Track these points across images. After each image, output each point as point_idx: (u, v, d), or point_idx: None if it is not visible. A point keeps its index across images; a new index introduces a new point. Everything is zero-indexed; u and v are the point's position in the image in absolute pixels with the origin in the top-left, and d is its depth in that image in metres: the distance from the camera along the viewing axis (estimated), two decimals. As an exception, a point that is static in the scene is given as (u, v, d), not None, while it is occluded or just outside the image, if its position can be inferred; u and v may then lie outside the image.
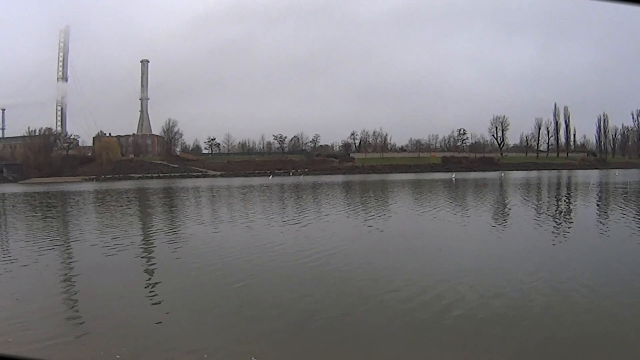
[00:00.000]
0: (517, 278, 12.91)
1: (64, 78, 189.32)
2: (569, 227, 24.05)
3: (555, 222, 25.89)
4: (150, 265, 16.63)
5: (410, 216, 29.96)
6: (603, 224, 24.16)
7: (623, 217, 25.78)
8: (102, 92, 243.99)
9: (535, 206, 35.47)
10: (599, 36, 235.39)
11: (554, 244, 18.80)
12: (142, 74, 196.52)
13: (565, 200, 41.16)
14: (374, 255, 16.79)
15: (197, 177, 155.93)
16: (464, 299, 11.10)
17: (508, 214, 30.33)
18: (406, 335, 9.20)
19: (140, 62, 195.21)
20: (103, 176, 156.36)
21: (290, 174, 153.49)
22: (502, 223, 25.95)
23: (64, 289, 13.39)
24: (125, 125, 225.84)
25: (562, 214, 30.57)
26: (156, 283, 13.69)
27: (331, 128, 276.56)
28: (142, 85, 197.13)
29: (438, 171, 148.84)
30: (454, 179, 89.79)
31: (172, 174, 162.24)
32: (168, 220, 30.98)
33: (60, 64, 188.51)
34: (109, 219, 32.41)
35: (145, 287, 13.22)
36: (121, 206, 44.69)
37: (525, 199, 42.79)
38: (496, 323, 9.60)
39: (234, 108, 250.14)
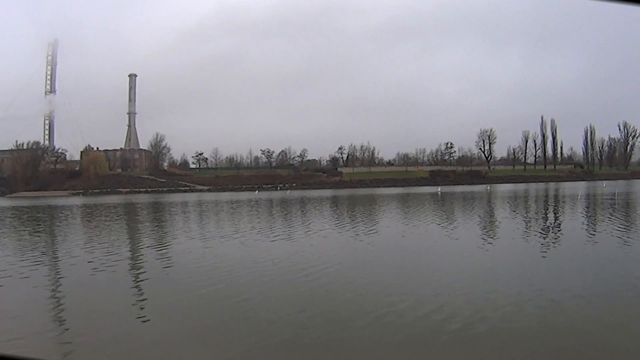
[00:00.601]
0: (514, 292, 13.00)
1: (52, 92, 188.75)
2: (560, 241, 24.06)
3: (546, 235, 26.03)
4: (145, 282, 16.44)
5: (401, 231, 30.05)
6: (598, 236, 24.45)
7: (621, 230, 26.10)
8: (90, 106, 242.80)
9: (524, 219, 35.65)
10: (585, 48, 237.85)
11: (544, 257, 18.92)
12: (130, 88, 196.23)
13: (554, 213, 41.35)
14: (370, 272, 16.79)
15: (185, 191, 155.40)
16: (471, 315, 11.11)
17: (498, 228, 30.46)
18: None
19: (128, 76, 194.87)
20: (90, 190, 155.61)
21: (278, 188, 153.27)
22: (493, 237, 25.99)
23: (57, 306, 13.28)
24: (113, 139, 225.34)
25: (552, 227, 30.71)
26: (151, 300, 13.60)
27: (319, 142, 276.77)
28: (129, 100, 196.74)
29: (426, 185, 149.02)
30: (439, 192, 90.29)
31: (160, 189, 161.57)
32: (160, 236, 30.79)
33: (48, 77, 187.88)
34: (101, 235, 32.08)
35: (140, 307, 13.02)
36: (112, 221, 44.46)
37: (513, 212, 43.00)
38: (513, 335, 9.79)
39: (221, 122, 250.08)
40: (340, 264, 18.30)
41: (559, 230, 28.50)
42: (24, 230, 36.93)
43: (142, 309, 12.65)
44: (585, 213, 40.08)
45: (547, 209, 46.51)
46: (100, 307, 12.84)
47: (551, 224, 32.77)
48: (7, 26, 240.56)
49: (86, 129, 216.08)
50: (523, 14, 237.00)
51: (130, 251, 24.40)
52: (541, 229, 29.03)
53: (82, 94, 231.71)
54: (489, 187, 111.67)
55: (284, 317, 11.36)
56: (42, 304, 13.44)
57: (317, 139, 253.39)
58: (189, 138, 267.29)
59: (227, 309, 12.32)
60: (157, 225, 38.63)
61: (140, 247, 25.85)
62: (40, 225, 42.05)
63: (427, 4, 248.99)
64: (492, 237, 25.76)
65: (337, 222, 37.20)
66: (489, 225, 32.58)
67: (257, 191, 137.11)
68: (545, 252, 20.38)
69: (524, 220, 34.80)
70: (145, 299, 13.90)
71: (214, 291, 14.28)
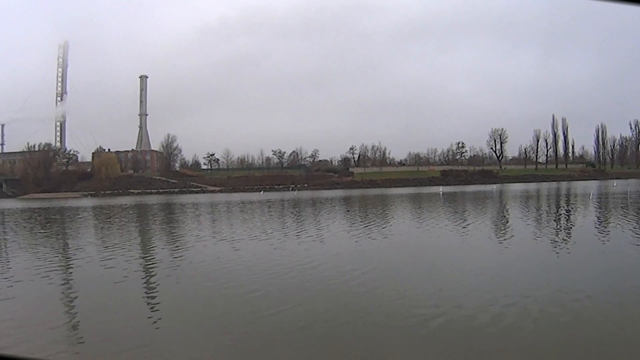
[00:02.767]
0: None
1: (63, 93, 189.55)
2: (584, 243, 23.68)
3: (565, 237, 25.84)
4: (176, 288, 15.92)
5: (426, 232, 29.69)
6: (619, 237, 24.16)
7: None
8: (102, 107, 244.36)
9: (538, 220, 35.45)
10: (598, 47, 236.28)
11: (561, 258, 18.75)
12: (141, 89, 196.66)
13: (569, 214, 40.85)
14: (412, 275, 16.62)
15: (197, 192, 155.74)
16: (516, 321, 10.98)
17: (511, 230, 30.01)
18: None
19: (139, 77, 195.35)
20: (102, 192, 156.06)
21: (290, 189, 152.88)
22: (510, 239, 25.57)
23: (86, 314, 12.82)
24: (124, 140, 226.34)
25: (573, 229, 30.45)
26: (185, 309, 13.19)
27: (330, 143, 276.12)
28: (140, 101, 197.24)
29: (437, 184, 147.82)
30: (441, 193, 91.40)
31: (172, 190, 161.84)
32: (185, 238, 30.26)
33: (59, 79, 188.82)
34: (123, 237, 31.94)
35: (173, 315, 12.66)
36: (129, 222, 44.77)
37: (527, 213, 42.75)
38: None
39: (234, 123, 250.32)
40: (382, 268, 17.93)
41: (579, 232, 28.09)
42: (43, 232, 36.97)
43: (170, 316, 12.29)
44: (600, 213, 39.81)
45: (560, 210, 45.94)
46: (135, 315, 12.72)
47: (570, 225, 32.42)
48: (22, 28, 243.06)
49: (98, 130, 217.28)
50: (540, 13, 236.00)
51: (161, 254, 23.54)
52: (559, 231, 28.83)
53: (94, 95, 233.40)
54: (495, 187, 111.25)
55: (327, 329, 10.96)
56: (74, 315, 13.30)
57: (328, 139, 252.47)
58: (201, 139, 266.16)
59: (262, 320, 11.73)
60: (178, 228, 38.32)
61: (169, 250, 25.12)
62: (60, 227, 42.09)
63: (445, 4, 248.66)
64: (520, 240, 25.21)
65: (361, 223, 36.80)
66: (510, 227, 32.19)
67: (262, 192, 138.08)
68: (564, 254, 20.23)
69: (540, 222, 34.65)
70: (178, 306, 13.44)
71: (258, 298, 13.97)
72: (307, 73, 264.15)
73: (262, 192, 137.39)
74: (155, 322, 11.82)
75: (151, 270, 19.34)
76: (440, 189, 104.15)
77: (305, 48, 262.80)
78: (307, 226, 35.32)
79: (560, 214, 41.36)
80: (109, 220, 48.53)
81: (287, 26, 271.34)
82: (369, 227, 32.87)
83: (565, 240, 24.42)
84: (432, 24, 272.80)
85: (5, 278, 17.64)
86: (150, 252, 24.98)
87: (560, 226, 31.50)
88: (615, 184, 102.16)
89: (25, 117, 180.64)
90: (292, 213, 51.60)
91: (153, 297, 14.65)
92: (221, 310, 12.73)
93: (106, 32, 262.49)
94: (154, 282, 17.07)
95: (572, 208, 47.43)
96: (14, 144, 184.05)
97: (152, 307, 13.30)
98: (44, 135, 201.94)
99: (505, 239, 24.99)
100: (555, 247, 22.22)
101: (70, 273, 19.14)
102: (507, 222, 35.12)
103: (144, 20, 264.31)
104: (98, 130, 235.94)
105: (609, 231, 26.92)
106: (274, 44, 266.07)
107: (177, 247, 26.15)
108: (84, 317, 12.53)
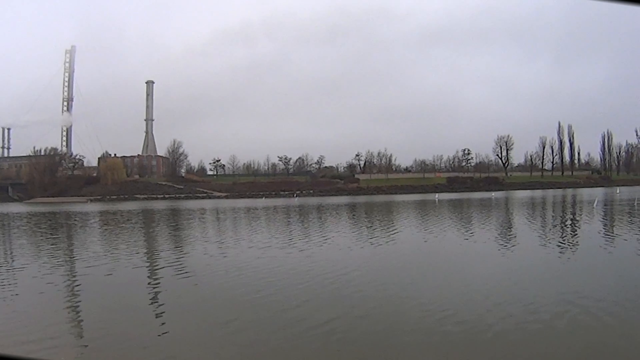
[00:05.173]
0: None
1: (69, 98, 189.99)
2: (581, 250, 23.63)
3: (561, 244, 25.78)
4: (212, 297, 15.59)
5: (444, 239, 29.38)
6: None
7: None
8: (112, 112, 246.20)
9: (539, 229, 35.32)
10: (606, 55, 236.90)
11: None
12: (147, 95, 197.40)
13: (571, 221, 40.72)
14: (450, 286, 16.19)
15: (203, 198, 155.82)
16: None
17: (517, 238, 29.65)
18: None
19: (146, 83, 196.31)
20: (108, 197, 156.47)
21: (295, 195, 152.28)
22: (515, 246, 25.42)
23: (103, 327, 12.29)
24: (130, 146, 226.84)
25: (572, 235, 30.64)
26: (224, 319, 12.85)
27: (336, 149, 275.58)
28: (147, 107, 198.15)
29: (443, 191, 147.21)
30: (437, 200, 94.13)
31: (177, 195, 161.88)
32: (204, 245, 29.47)
33: (66, 84, 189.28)
34: (142, 244, 31.84)
35: (214, 326, 12.36)
36: (142, 229, 44.76)
37: (521, 221, 42.66)
38: None
39: (242, 129, 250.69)
40: (412, 276, 17.74)
41: (584, 240, 27.86)
42: (56, 237, 36.86)
43: (201, 329, 12.03)
44: (606, 220, 40.18)
45: (565, 218, 45.91)
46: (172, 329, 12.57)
47: (575, 233, 32.39)
48: (31, 33, 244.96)
49: (105, 135, 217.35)
50: (555, 21, 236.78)
51: (189, 263, 22.70)
52: (565, 239, 28.80)
53: (104, 100, 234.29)
54: (493, 195, 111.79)
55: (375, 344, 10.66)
56: (89, 330, 13.05)
57: (334, 145, 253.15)
58: (208, 144, 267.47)
59: (302, 334, 11.28)
60: (194, 235, 37.46)
61: (198, 258, 24.43)
62: (70, 232, 41.97)
63: (464, 11, 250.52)
64: (524, 250, 24.96)
65: (380, 229, 36.66)
66: (515, 235, 31.83)
67: (263, 197, 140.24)
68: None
69: (545, 230, 34.55)
70: (211, 319, 13.02)
71: (283, 306, 13.66)
72: (323, 79, 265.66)
73: (263, 197, 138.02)
74: (178, 337, 11.44)
75: (179, 279, 18.86)
76: (437, 196, 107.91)
77: (325, 54, 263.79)
78: (324, 233, 35.00)
79: (565, 222, 41.92)
80: (121, 226, 48.19)
81: (308, 32, 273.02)
82: (386, 234, 32.83)
83: (571, 248, 24.64)
84: (450, 31, 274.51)
85: (23, 287, 17.34)
86: (174, 260, 24.04)
87: (566, 234, 31.74)
88: (619, 191, 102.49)
89: (31, 121, 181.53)
90: (303, 220, 51.41)
91: (184, 309, 14.15)
92: (260, 323, 12.34)
93: (123, 38, 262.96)
94: (183, 292, 16.45)
95: (576, 216, 48.00)
96: (21, 148, 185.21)
97: (183, 319, 12.92)
98: (50, 140, 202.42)
99: (516, 248, 24.82)
100: (563, 254, 22.35)
101: (92, 282, 18.38)
102: (511, 230, 35.12)
103: (162, 25, 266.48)
104: (105, 135, 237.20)
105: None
106: (293, 49, 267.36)
107: (199, 255, 25.59)
108: (108, 330, 12.06)
